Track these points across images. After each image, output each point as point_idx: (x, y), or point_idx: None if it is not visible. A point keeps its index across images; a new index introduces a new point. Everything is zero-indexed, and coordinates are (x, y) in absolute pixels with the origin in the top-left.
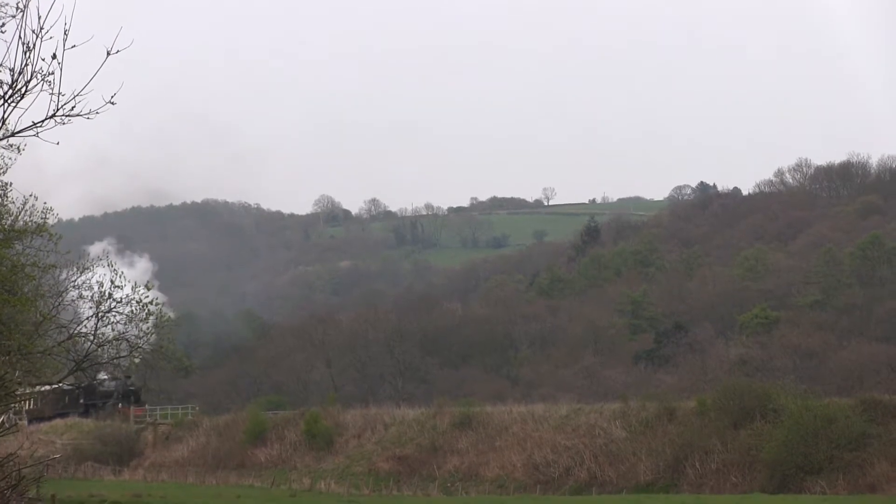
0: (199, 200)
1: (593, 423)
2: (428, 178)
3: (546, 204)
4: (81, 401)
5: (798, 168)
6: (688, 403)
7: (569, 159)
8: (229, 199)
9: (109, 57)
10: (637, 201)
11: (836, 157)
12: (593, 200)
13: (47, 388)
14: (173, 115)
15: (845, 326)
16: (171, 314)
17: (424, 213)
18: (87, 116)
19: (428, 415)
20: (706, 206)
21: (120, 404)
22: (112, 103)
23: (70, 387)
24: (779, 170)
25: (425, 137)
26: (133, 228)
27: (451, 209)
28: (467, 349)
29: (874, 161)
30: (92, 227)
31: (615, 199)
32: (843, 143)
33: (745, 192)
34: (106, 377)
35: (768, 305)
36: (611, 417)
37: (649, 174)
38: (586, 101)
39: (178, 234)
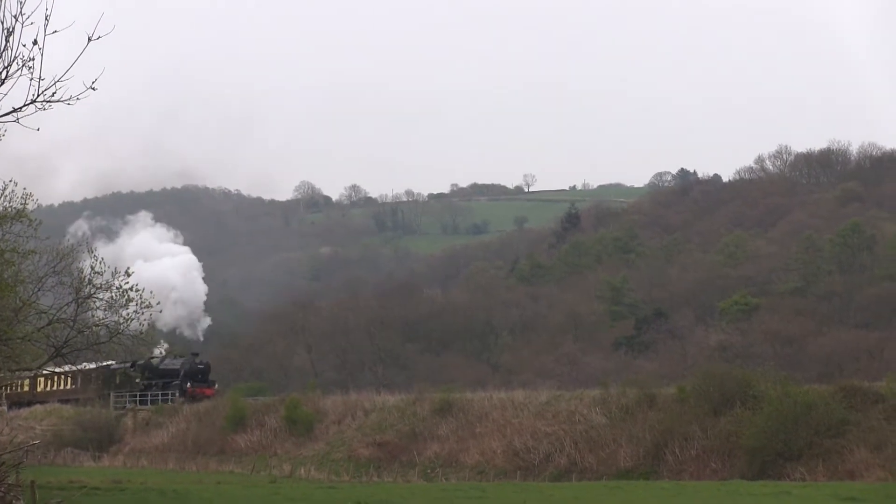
0: (178, 186)
1: (573, 410)
2: (408, 164)
3: (526, 190)
4: (138, 380)
5: (778, 155)
6: (668, 390)
7: (549, 146)
8: (210, 186)
9: (91, 43)
10: (617, 188)
11: (817, 144)
12: (574, 187)
13: (92, 366)
14: (174, 98)
15: (825, 313)
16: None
17: (405, 199)
18: (67, 102)
19: (408, 401)
20: (686, 193)
21: (189, 383)
22: (93, 89)
23: (123, 365)
24: (759, 156)
25: (405, 123)
26: (112, 214)
27: (431, 195)
28: (447, 336)
29: (854, 148)
30: (72, 213)
31: (595, 186)
32: (823, 130)
33: (725, 179)
34: (164, 353)
35: (748, 292)
36: (591, 404)
37: (629, 161)
38: (566, 88)
39: (158, 219)
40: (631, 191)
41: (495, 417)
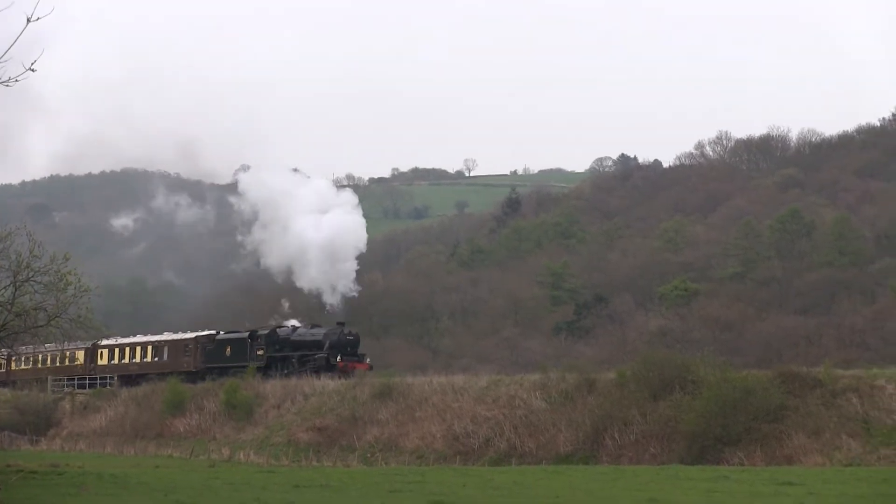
0: (118, 170)
1: (513, 395)
2: (348, 148)
3: (467, 175)
4: (260, 352)
5: (718, 141)
6: (607, 375)
7: (490, 130)
8: (149, 169)
9: (30, 24)
10: (558, 173)
11: (756, 129)
12: (514, 172)
13: (188, 335)
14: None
15: (764, 299)
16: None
17: (346, 182)
18: (6, 84)
19: (348, 385)
20: (627, 178)
21: (339, 357)
22: (32, 70)
23: (237, 334)
24: (699, 142)
25: (345, 106)
26: (50, 197)
27: (372, 179)
28: (388, 320)
29: (794, 134)
30: (10, 196)
31: (536, 171)
32: (762, 115)
33: (665, 165)
34: (296, 322)
35: (688, 277)
36: (531, 388)
37: (570, 146)
38: (507, 72)
39: (97, 203)
40: (571, 176)
41: (435, 402)
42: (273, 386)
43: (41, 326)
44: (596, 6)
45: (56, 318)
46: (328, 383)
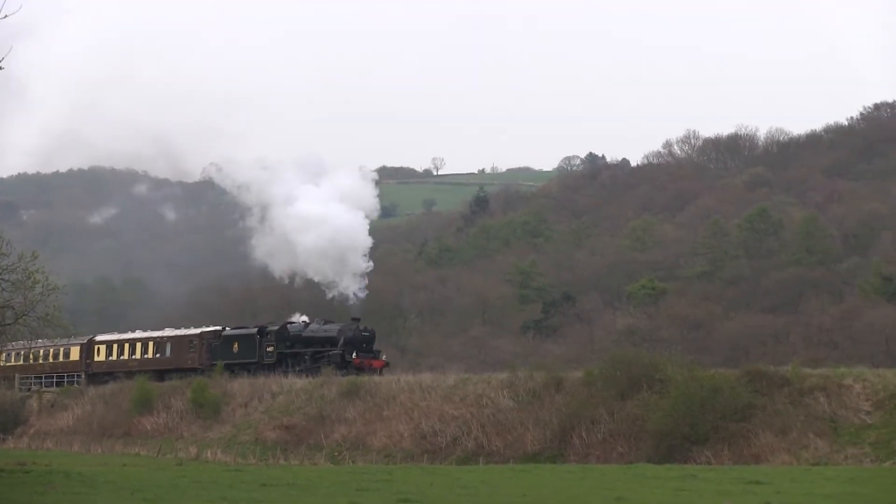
0: (85, 168)
1: (481, 393)
2: (314, 146)
3: (435, 174)
4: (270, 349)
5: (686, 139)
6: (575, 373)
7: (458, 129)
8: (116, 167)
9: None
10: (526, 171)
11: (724, 128)
12: (482, 170)
13: (193, 331)
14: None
15: (732, 298)
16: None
17: None
18: None
19: (315, 384)
20: (595, 177)
21: (355, 354)
22: (0, 68)
23: (245, 330)
24: (667, 141)
25: (313, 104)
26: (18, 195)
27: None
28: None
29: (762, 133)
30: None
31: (504, 170)
32: (731, 114)
33: (633, 164)
34: (304, 318)
35: (656, 276)
36: (498, 387)
37: (539, 144)
38: (475, 71)
39: (65, 201)
40: (539, 174)
41: (403, 401)
42: (240, 384)
43: (9, 325)
44: (563, 5)
45: (24, 317)
46: (296, 382)
